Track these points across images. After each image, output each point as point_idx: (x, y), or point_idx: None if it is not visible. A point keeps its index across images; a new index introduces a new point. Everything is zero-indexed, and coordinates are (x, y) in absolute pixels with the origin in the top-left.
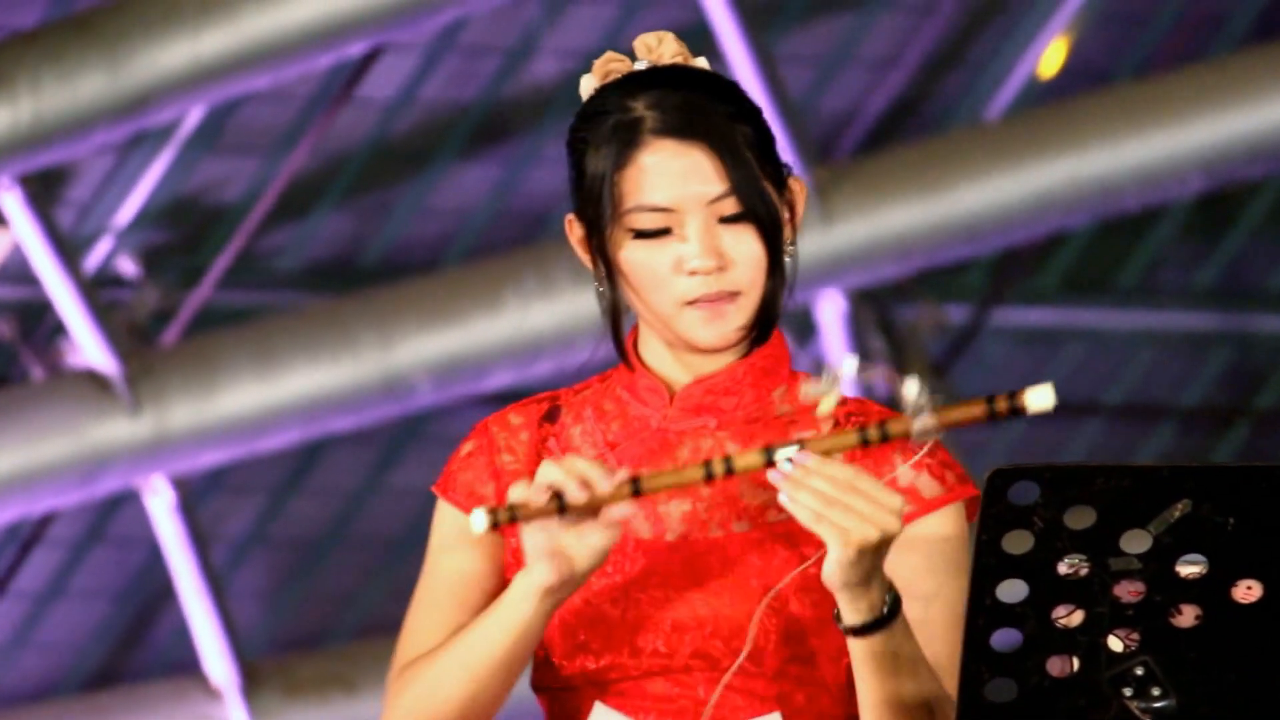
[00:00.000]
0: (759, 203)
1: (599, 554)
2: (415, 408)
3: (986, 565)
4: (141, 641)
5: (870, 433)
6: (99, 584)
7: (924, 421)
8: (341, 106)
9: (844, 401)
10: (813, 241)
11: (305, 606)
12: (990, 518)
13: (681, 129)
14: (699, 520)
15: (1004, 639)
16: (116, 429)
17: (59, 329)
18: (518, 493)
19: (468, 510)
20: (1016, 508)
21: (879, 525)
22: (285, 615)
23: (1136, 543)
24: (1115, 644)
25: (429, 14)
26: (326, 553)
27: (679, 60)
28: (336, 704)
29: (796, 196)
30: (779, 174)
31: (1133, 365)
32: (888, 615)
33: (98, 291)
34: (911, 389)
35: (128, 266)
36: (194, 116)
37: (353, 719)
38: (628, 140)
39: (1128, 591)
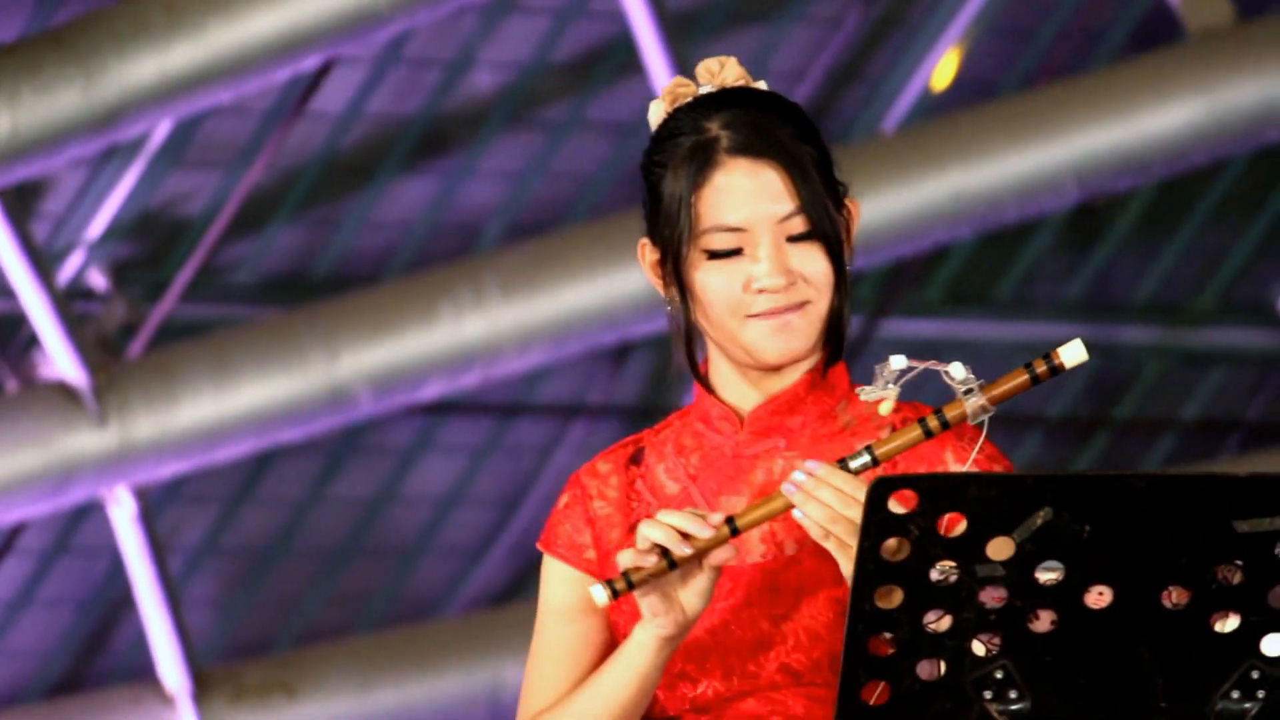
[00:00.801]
0: (826, 221)
1: (707, 595)
2: (355, 418)
3: (866, 572)
4: (103, 648)
5: (930, 423)
6: (64, 593)
7: (976, 401)
8: (296, 120)
9: (898, 408)
10: None
11: (253, 614)
12: (871, 525)
13: (755, 148)
14: (776, 539)
15: (880, 643)
16: (85, 440)
17: (32, 341)
18: (626, 559)
19: (571, 562)
20: (895, 516)
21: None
22: (235, 623)
23: (1002, 550)
24: (979, 648)
25: (377, 26)
26: (273, 562)
27: (742, 83)
28: (279, 708)
29: (852, 216)
30: (838, 193)
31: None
32: None
33: (70, 304)
34: (958, 370)
35: (98, 279)
36: (161, 131)
37: None
38: (705, 160)
39: (991, 597)
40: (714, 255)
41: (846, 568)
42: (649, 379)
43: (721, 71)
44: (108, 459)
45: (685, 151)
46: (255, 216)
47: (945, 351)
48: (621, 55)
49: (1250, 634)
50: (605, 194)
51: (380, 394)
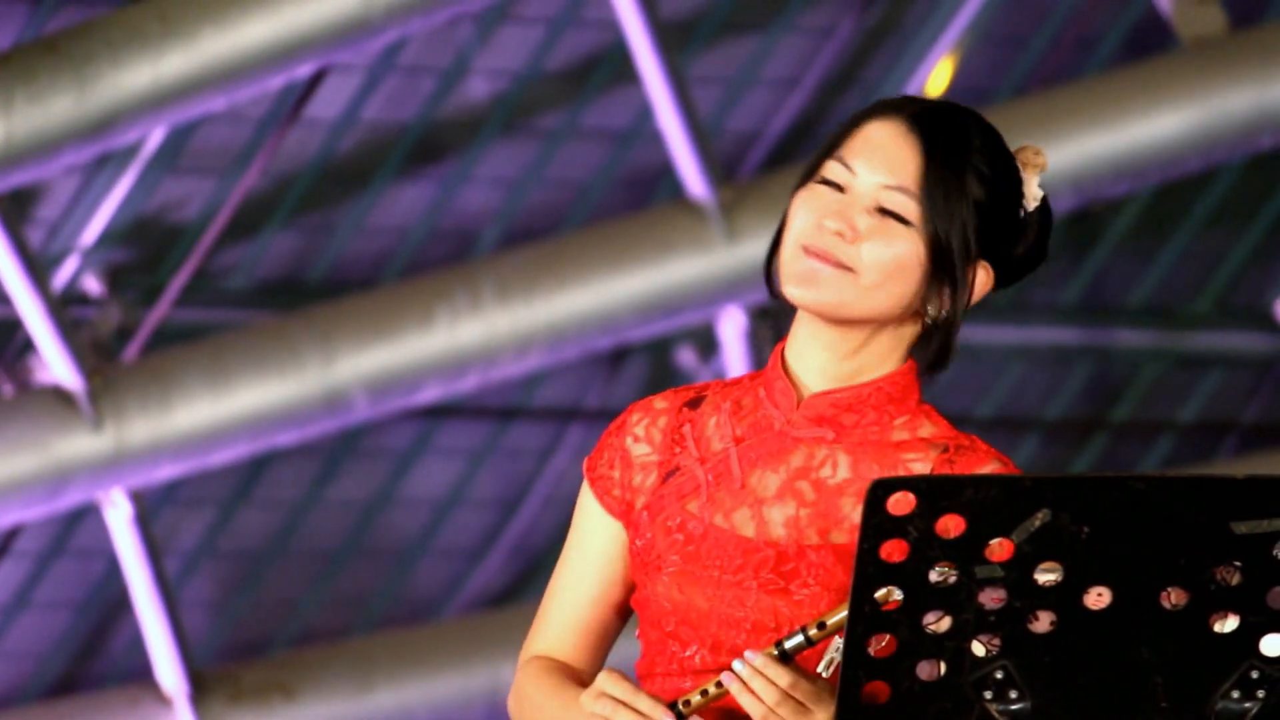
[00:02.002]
0: (936, 220)
1: None
2: (352, 421)
3: (865, 574)
4: (101, 650)
5: (811, 632)
6: (61, 595)
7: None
8: (291, 127)
9: (954, 438)
10: (717, 259)
11: (250, 616)
12: (871, 527)
13: (916, 120)
14: (799, 526)
15: (880, 644)
16: (80, 444)
17: (28, 346)
18: None
19: (598, 493)
20: (894, 518)
21: None
22: (231, 624)
23: (1000, 551)
24: (978, 649)
25: (371, 34)
26: (270, 564)
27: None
28: (277, 710)
29: (978, 280)
30: (979, 247)
31: (1003, 379)
32: None
33: (65, 309)
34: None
35: (93, 285)
36: (155, 137)
37: None
38: (879, 109)
39: (991, 598)
40: (821, 181)
41: None
42: (645, 383)
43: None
44: (104, 462)
45: (876, 103)
46: (250, 222)
47: None
48: (616, 64)
49: (1249, 634)
50: (600, 200)
51: (377, 398)
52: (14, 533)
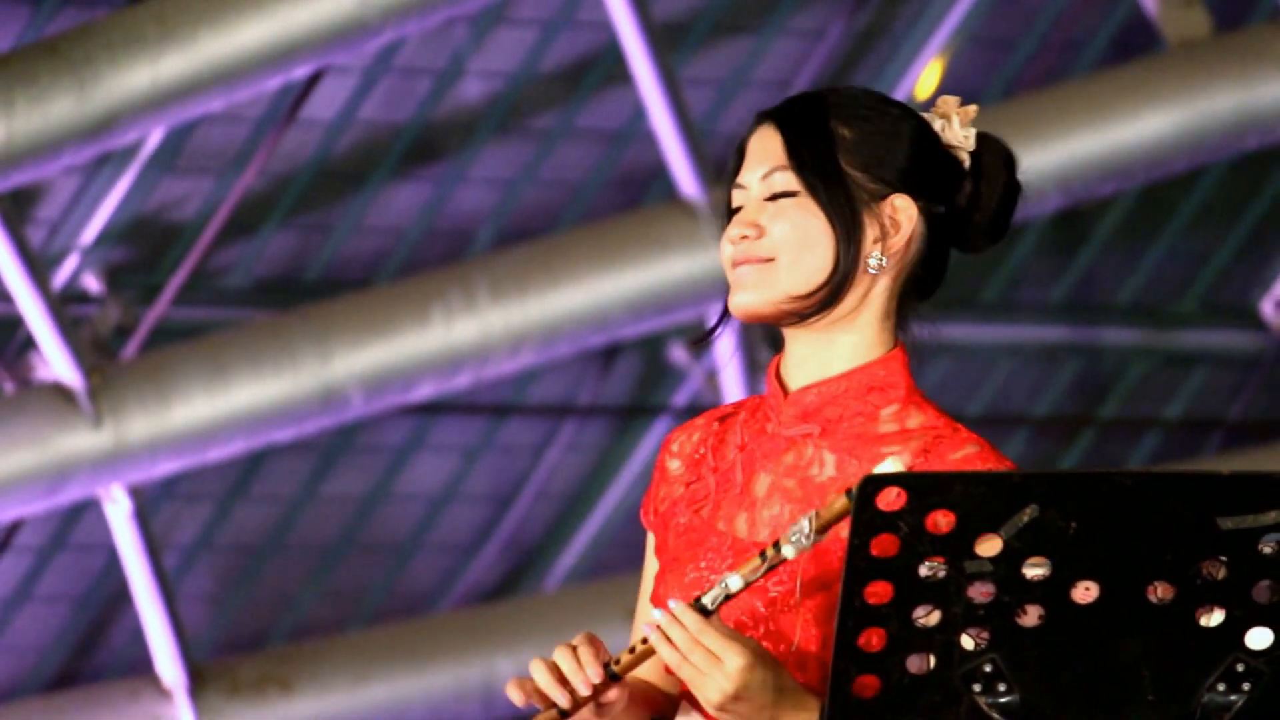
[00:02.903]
0: (815, 182)
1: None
2: (348, 418)
3: (856, 568)
4: (100, 644)
5: (769, 553)
6: (61, 589)
7: (799, 544)
8: (288, 127)
9: (937, 428)
10: (709, 257)
11: (247, 610)
12: (861, 523)
13: (772, 113)
14: (785, 526)
15: (871, 638)
16: (80, 440)
17: (29, 344)
18: (514, 696)
19: (644, 516)
20: (884, 513)
21: (705, 690)
22: (229, 618)
23: (989, 546)
24: (967, 642)
25: (367, 36)
26: (267, 558)
27: (965, 123)
28: (274, 703)
29: (899, 213)
30: (882, 186)
31: (992, 377)
32: None
33: (65, 308)
34: (805, 523)
35: (92, 283)
36: (154, 138)
37: (289, 717)
38: (750, 128)
39: (980, 593)
40: (730, 212)
41: (702, 695)
42: (637, 379)
43: (948, 108)
44: (103, 458)
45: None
46: (248, 221)
47: (933, 352)
48: (609, 65)
49: (1234, 628)
50: (594, 200)
51: (372, 395)
52: (14, 527)
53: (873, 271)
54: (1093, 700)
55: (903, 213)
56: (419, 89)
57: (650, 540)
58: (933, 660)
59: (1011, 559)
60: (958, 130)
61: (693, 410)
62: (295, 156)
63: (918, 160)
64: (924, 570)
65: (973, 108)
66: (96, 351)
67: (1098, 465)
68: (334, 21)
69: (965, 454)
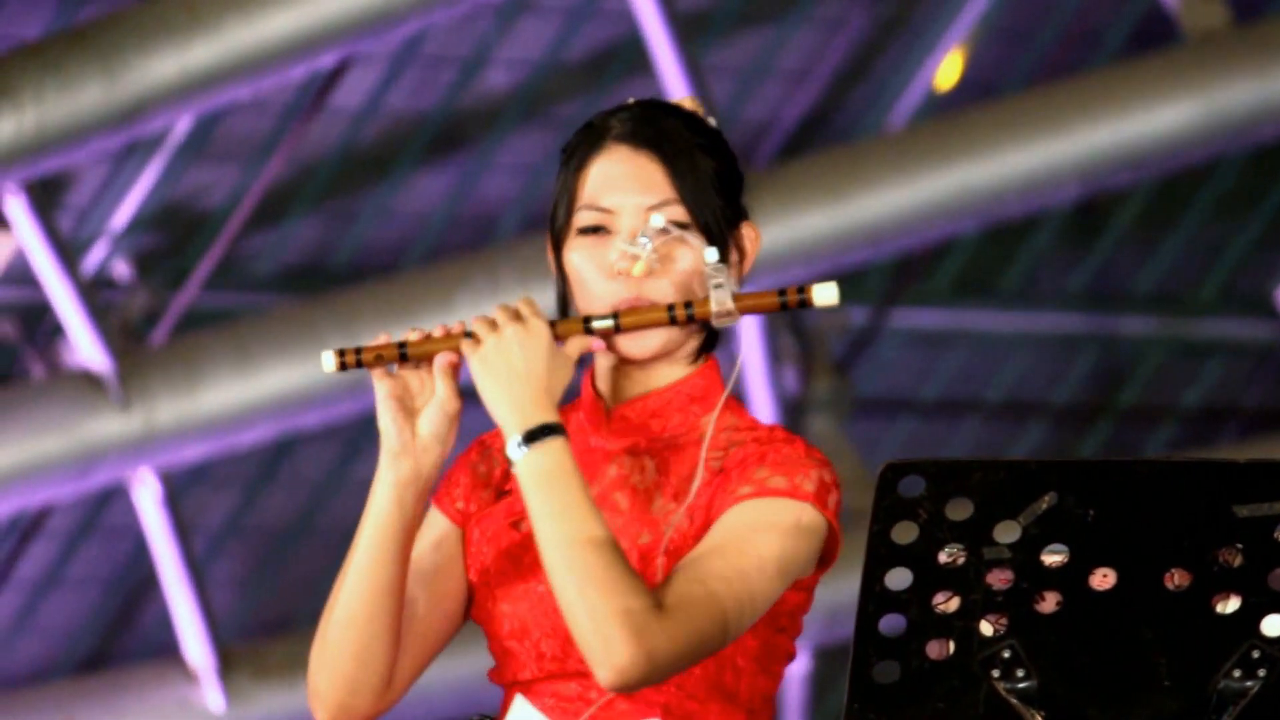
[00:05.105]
0: (708, 216)
1: (438, 429)
2: (374, 405)
3: (877, 555)
4: (129, 627)
5: (678, 312)
6: (91, 573)
7: (724, 304)
8: (314, 116)
9: (755, 427)
10: None
11: (275, 593)
12: (882, 510)
13: (639, 137)
14: (616, 532)
15: (891, 624)
16: (109, 425)
17: (58, 329)
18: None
19: (439, 501)
20: (905, 500)
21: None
22: (257, 602)
23: (1008, 533)
24: (986, 628)
25: (393, 25)
26: (295, 543)
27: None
28: (302, 686)
29: (747, 240)
30: (734, 214)
31: (1011, 365)
32: (520, 442)
33: (94, 294)
34: (711, 255)
35: (121, 269)
36: (182, 126)
37: None
38: (592, 144)
39: (998, 579)
40: (583, 231)
41: (491, 404)
42: None
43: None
44: (132, 443)
45: (580, 136)
46: (275, 209)
47: (952, 340)
48: (632, 55)
49: (1250, 615)
50: None
51: None
52: (45, 512)
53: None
54: (1110, 686)
55: (749, 239)
56: (444, 78)
57: (437, 522)
58: (952, 646)
59: (1030, 546)
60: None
61: None
62: (322, 145)
63: (739, 180)
64: (943, 557)
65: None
66: (125, 337)
67: (1115, 453)
68: (360, 11)
69: (793, 454)
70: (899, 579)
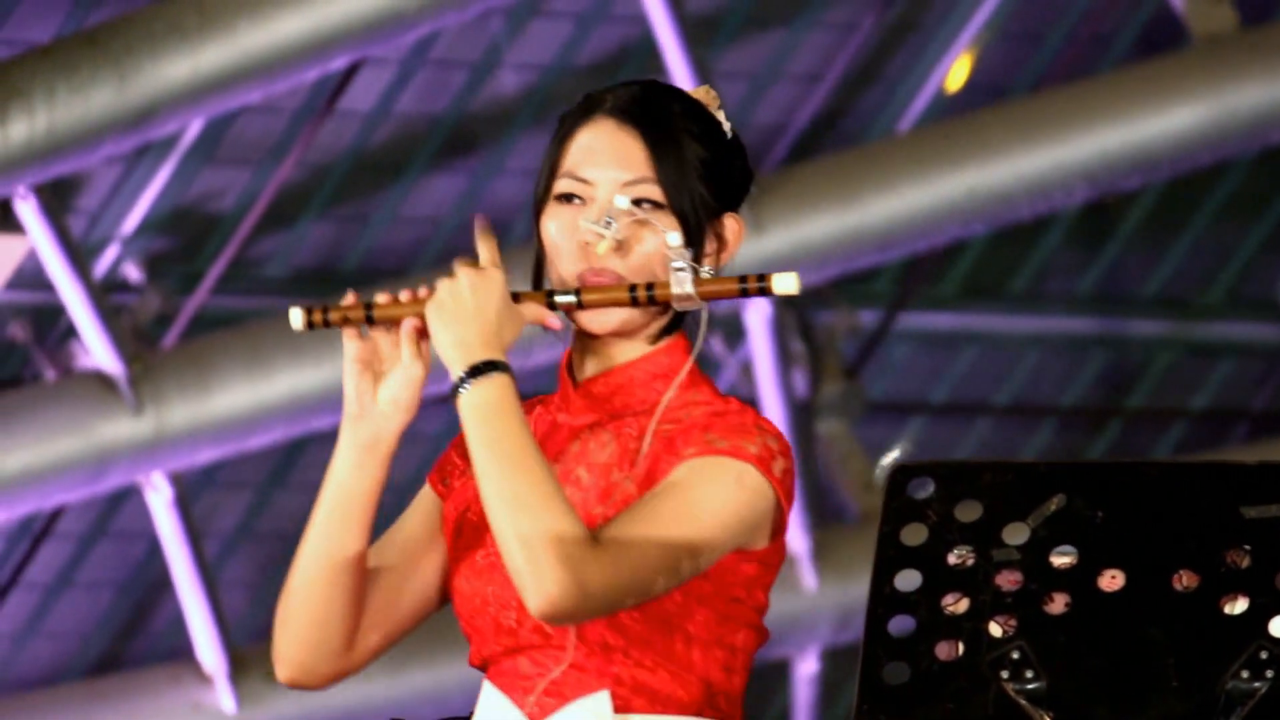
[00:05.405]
0: (683, 200)
1: (400, 395)
2: None
3: (886, 556)
4: (141, 629)
5: (639, 293)
6: (103, 576)
7: (684, 289)
8: (326, 119)
9: (712, 401)
10: (743, 250)
11: None
12: (891, 511)
13: (625, 113)
14: (575, 505)
15: (900, 625)
16: (121, 428)
17: (70, 332)
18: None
19: (432, 480)
20: (914, 502)
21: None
22: (269, 604)
23: (1017, 534)
24: (995, 630)
25: (404, 28)
26: None
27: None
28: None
29: (729, 230)
30: (718, 203)
31: (1020, 367)
32: (463, 377)
33: (106, 296)
34: (674, 239)
35: (133, 272)
36: (193, 129)
37: (326, 704)
38: (583, 115)
39: (1007, 580)
40: (558, 199)
41: (440, 344)
42: None
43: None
44: (144, 446)
45: (575, 107)
46: (286, 212)
47: (961, 343)
48: (643, 58)
49: (1258, 616)
50: None
51: None
52: (57, 515)
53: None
54: (1118, 686)
55: (731, 231)
56: (455, 81)
57: (426, 495)
58: (961, 647)
59: (1039, 547)
60: (724, 122)
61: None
62: (333, 147)
63: (742, 178)
64: (952, 558)
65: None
66: (137, 340)
67: (1124, 455)
68: (372, 14)
69: (741, 423)
70: (908, 580)
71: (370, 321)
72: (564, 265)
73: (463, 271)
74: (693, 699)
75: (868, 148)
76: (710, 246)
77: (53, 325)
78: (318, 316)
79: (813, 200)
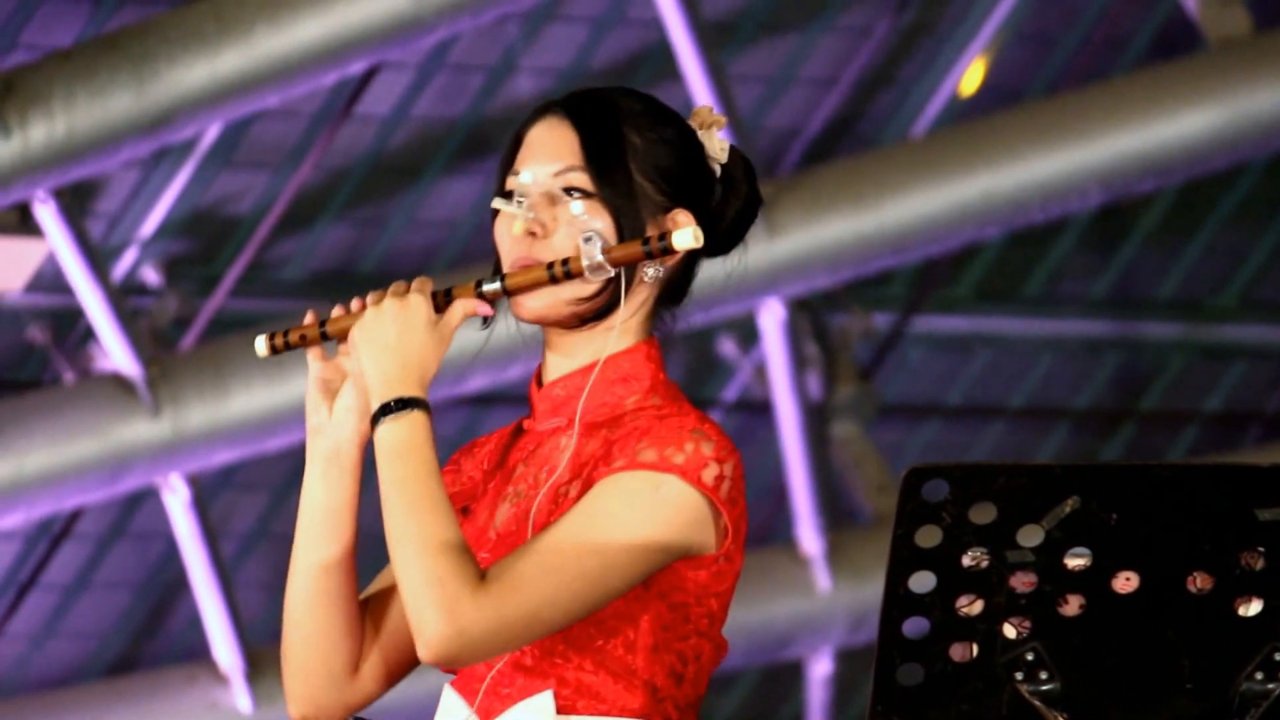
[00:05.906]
0: (607, 187)
1: (351, 383)
2: None
3: (901, 558)
4: (159, 630)
5: (555, 269)
6: (121, 577)
7: (595, 258)
8: (343, 123)
9: (664, 407)
10: (757, 253)
11: None
12: (905, 513)
13: (566, 106)
14: (528, 514)
15: (914, 627)
16: (139, 430)
17: (89, 335)
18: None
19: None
20: (928, 504)
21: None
22: None
23: (1031, 536)
24: (1009, 631)
25: (421, 32)
26: None
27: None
28: None
29: (672, 225)
30: (664, 198)
31: (1034, 370)
32: (378, 414)
33: (124, 299)
34: (576, 207)
35: (151, 275)
36: (211, 132)
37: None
38: (532, 117)
39: (1022, 582)
40: (502, 195)
41: (365, 373)
42: (687, 372)
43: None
44: (161, 448)
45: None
46: (303, 215)
47: (975, 346)
48: (658, 62)
49: (1273, 618)
50: None
51: None
52: (75, 516)
53: (648, 281)
54: (1132, 688)
55: (678, 227)
56: (472, 85)
57: None
58: (976, 649)
59: (1053, 549)
60: (715, 142)
61: (742, 403)
62: (350, 151)
63: (693, 173)
64: (967, 560)
65: (723, 119)
66: (155, 342)
67: (1138, 457)
68: (389, 18)
69: (678, 428)
70: (923, 582)
71: (326, 337)
72: (505, 260)
73: (388, 300)
74: (639, 704)
75: (882, 151)
76: (653, 243)
77: (71, 328)
78: (279, 340)
79: (827, 204)
